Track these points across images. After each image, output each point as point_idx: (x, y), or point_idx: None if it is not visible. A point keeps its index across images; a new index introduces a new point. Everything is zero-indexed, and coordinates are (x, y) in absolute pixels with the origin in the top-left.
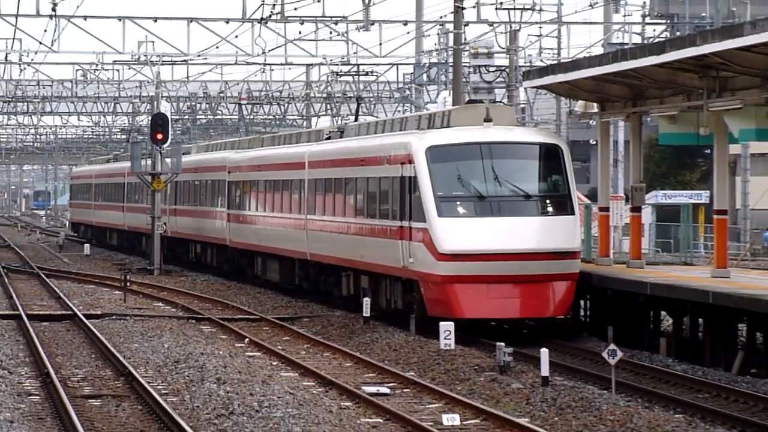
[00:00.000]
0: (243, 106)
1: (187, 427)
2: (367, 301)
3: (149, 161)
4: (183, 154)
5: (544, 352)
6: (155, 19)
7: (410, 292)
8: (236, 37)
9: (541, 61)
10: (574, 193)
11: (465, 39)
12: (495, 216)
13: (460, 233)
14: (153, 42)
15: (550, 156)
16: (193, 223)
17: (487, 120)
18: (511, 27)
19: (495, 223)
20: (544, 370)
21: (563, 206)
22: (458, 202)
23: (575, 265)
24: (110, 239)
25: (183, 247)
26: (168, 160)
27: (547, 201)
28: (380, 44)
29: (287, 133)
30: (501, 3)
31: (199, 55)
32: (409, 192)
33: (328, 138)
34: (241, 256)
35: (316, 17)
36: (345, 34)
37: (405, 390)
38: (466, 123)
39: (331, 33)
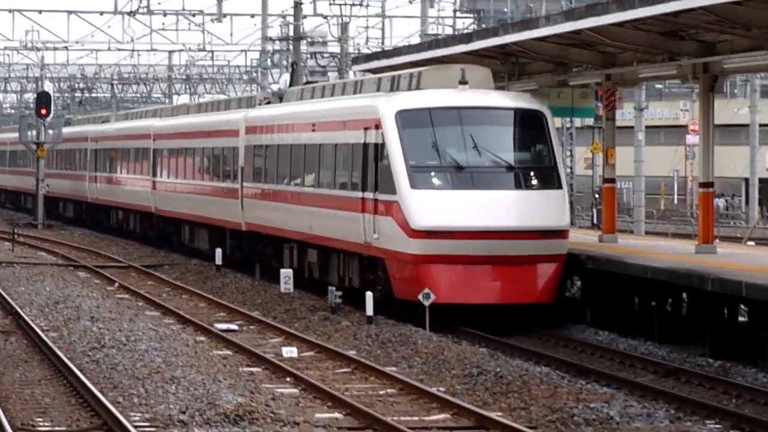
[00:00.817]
0: (114, 86)
1: (65, 358)
2: (219, 251)
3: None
4: (102, 122)
5: (369, 295)
6: (40, 11)
7: (371, 270)
8: (109, 27)
9: (368, 48)
10: (561, 164)
11: (303, 30)
12: (474, 189)
13: (436, 207)
14: (38, 31)
15: (533, 123)
16: (115, 190)
17: (463, 82)
18: (342, 20)
19: (474, 196)
20: (369, 310)
21: (549, 179)
22: (433, 173)
23: (563, 246)
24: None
25: (104, 213)
26: (51, 131)
27: (532, 173)
28: (231, 34)
29: (215, 101)
30: None
31: (77, 42)
32: (374, 161)
33: (268, 103)
34: (168, 224)
35: (176, 11)
36: (201, 25)
37: (251, 327)
38: (439, 85)
39: (189, 24)
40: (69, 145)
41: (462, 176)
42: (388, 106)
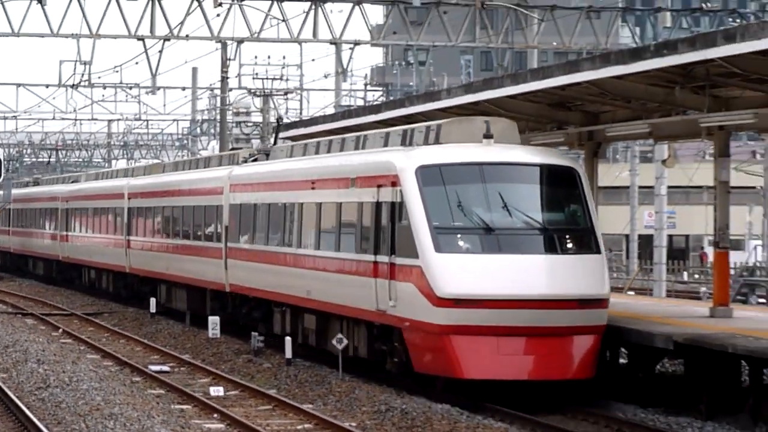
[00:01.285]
0: (59, 151)
1: (13, 396)
2: (153, 300)
3: None
4: (73, 181)
5: (288, 340)
6: None
7: (383, 339)
8: (54, 98)
9: (288, 118)
10: (597, 225)
11: (229, 101)
12: (505, 253)
13: (464, 273)
14: None
15: (566, 181)
16: (87, 249)
17: (488, 136)
18: (263, 92)
19: (505, 261)
20: (288, 353)
21: (586, 242)
22: (459, 235)
23: (602, 316)
24: None
25: (76, 272)
26: (1, 192)
27: (567, 236)
28: (164, 105)
29: (194, 159)
30: (257, 74)
31: (25, 112)
32: (390, 221)
33: (255, 160)
34: (142, 283)
35: (115, 84)
36: (137, 97)
37: (182, 368)
38: (460, 139)
39: (126, 96)
40: (40, 204)
41: (491, 239)
42: (407, 161)
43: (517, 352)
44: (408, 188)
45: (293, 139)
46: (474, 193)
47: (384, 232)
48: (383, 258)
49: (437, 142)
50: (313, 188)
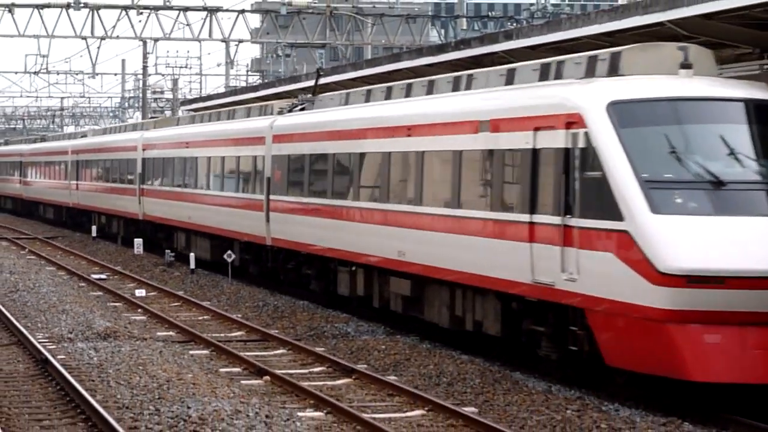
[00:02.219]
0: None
1: (27, 334)
2: (94, 228)
3: None
4: (81, 137)
5: (192, 255)
6: None
7: (538, 317)
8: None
9: (191, 95)
10: None
11: (148, 84)
12: (745, 214)
13: (697, 242)
14: None
15: None
16: (99, 197)
17: (686, 66)
18: (173, 77)
19: (750, 225)
20: (192, 264)
21: None
22: (680, 191)
23: None
24: None
25: (86, 217)
26: None
27: None
28: (101, 86)
29: (209, 112)
30: (168, 64)
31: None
32: (564, 172)
33: (302, 109)
34: (158, 230)
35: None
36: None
37: (115, 277)
38: (647, 70)
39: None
40: (49, 158)
41: (724, 196)
42: (592, 96)
43: None
44: (599, 130)
45: (194, 110)
46: (687, 137)
47: (544, 186)
48: (548, 218)
49: (615, 74)
50: (409, 135)
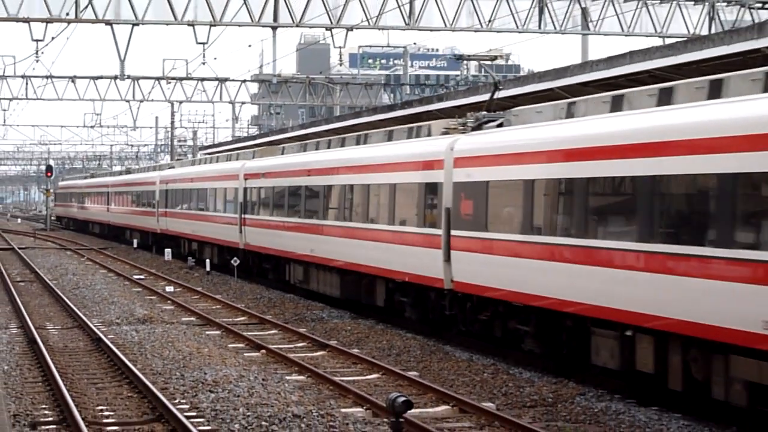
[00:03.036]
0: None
1: (59, 292)
2: (135, 240)
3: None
4: (169, 167)
5: (207, 262)
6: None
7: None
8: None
9: (203, 142)
10: None
11: (174, 134)
12: None
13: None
14: (44, 135)
15: None
16: (191, 225)
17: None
18: (193, 128)
19: None
20: (208, 267)
21: None
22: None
23: None
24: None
25: (174, 242)
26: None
27: None
28: (141, 137)
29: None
30: (189, 120)
31: (65, 141)
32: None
33: (481, 127)
34: (263, 260)
35: (111, 125)
36: (125, 132)
37: (150, 277)
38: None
39: (120, 132)
40: (136, 188)
41: None
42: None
43: None
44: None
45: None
46: None
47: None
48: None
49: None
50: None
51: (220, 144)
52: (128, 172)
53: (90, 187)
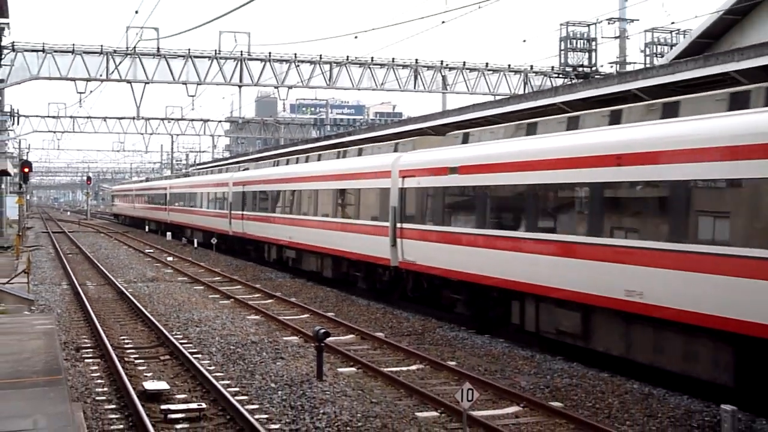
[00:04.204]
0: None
1: (95, 261)
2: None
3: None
4: (244, 170)
5: (195, 241)
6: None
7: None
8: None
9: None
10: None
11: (173, 157)
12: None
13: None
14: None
15: None
16: (270, 228)
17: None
18: (187, 152)
19: None
20: (195, 243)
21: None
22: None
23: None
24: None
25: (251, 244)
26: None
27: None
28: (151, 157)
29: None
30: (183, 148)
31: (99, 160)
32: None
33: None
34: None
35: (137, 151)
36: (140, 155)
37: (156, 250)
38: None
39: (133, 155)
40: (204, 189)
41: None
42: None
43: None
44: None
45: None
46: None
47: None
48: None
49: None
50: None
51: (209, 162)
52: (186, 175)
53: (146, 190)
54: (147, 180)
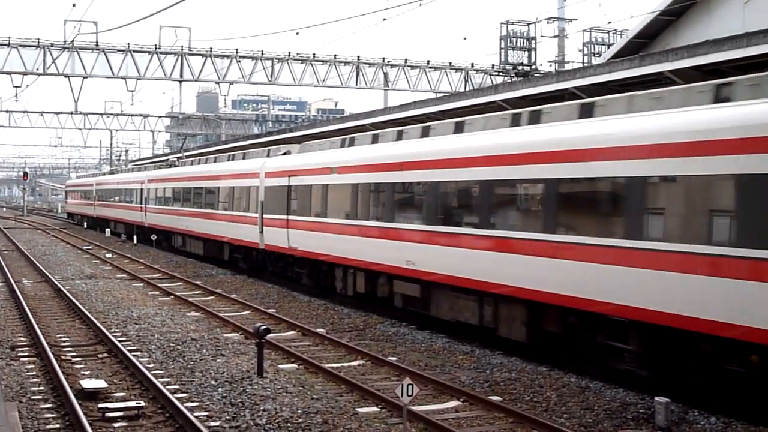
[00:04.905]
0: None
1: (30, 256)
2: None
3: None
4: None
5: (134, 237)
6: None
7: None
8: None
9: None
10: None
11: (112, 152)
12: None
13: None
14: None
15: None
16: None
17: None
18: (126, 148)
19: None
20: (134, 240)
21: None
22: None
23: None
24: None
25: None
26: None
27: None
28: (90, 153)
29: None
30: (123, 143)
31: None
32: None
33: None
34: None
35: (70, 146)
36: (79, 149)
37: (95, 247)
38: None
39: (75, 150)
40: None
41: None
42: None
43: None
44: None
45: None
46: None
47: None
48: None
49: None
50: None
51: (144, 158)
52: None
53: (114, 184)
54: (111, 173)
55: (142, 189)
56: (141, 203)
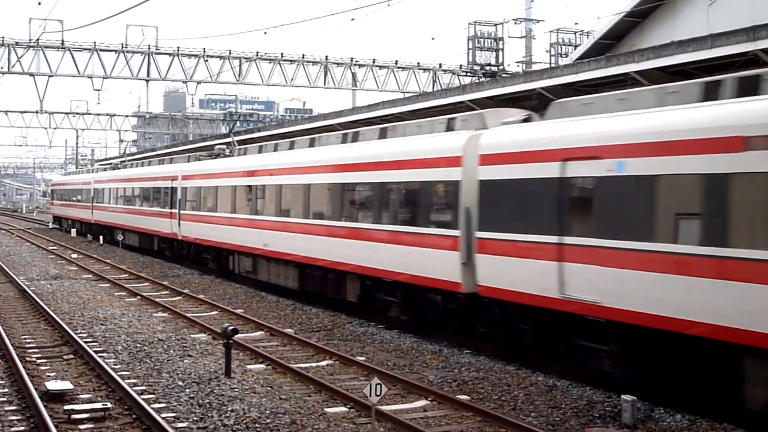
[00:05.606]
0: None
1: (2, 264)
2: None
3: None
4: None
5: (101, 237)
6: None
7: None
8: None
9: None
10: None
11: (79, 152)
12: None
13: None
14: None
15: None
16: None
17: None
18: (92, 148)
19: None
20: (101, 240)
21: None
22: None
23: None
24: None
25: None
26: None
27: None
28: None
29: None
30: (89, 142)
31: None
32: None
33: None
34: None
35: (36, 145)
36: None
37: (61, 247)
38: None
39: (42, 149)
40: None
41: None
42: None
43: None
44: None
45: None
46: None
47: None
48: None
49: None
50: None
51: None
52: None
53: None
54: (114, 168)
55: (173, 188)
56: (172, 207)
